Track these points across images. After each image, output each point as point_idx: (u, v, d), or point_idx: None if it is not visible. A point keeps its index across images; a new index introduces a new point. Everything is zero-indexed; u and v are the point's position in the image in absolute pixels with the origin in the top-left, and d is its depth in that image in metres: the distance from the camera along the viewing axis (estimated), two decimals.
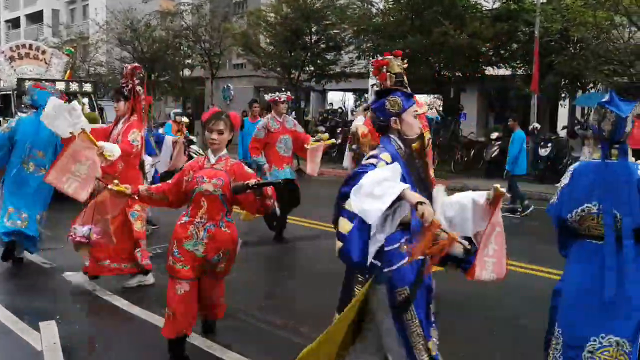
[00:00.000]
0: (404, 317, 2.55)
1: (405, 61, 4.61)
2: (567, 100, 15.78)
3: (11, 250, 5.56)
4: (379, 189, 2.23)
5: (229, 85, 26.69)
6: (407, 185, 2.31)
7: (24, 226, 5.41)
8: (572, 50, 13.88)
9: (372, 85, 20.94)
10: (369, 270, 2.49)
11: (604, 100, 2.62)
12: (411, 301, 2.54)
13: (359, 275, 2.60)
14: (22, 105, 7.40)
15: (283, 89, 7.98)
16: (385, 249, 2.48)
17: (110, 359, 3.72)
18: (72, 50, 13.84)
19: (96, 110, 11.18)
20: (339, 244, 2.36)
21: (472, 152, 15.20)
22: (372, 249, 2.32)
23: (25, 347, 3.78)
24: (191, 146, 9.54)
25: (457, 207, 2.61)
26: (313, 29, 19.82)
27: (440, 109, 17.85)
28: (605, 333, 2.49)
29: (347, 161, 4.95)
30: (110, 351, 3.80)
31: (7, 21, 43.38)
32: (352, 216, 2.29)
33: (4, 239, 5.43)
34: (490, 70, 16.06)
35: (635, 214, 2.46)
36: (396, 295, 2.54)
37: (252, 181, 3.25)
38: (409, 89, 4.73)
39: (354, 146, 4.79)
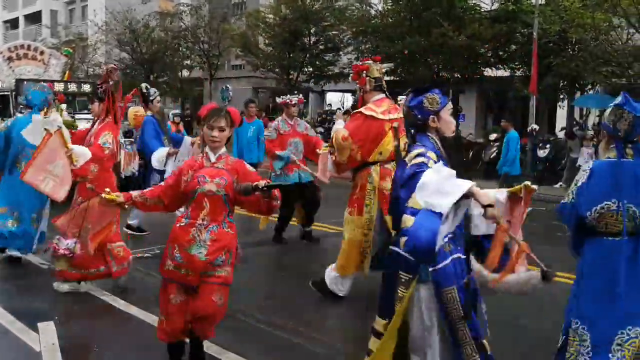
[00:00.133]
0: (452, 316, 2.54)
1: (398, 62, 4.67)
2: (565, 102, 15.81)
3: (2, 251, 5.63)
4: (448, 185, 2.23)
5: (228, 85, 26.71)
6: (474, 183, 2.31)
7: (14, 226, 5.42)
8: (571, 52, 13.91)
9: None
10: (414, 269, 2.49)
11: (619, 101, 2.74)
12: (459, 300, 2.53)
13: (402, 276, 2.55)
14: (20, 106, 7.40)
15: (295, 92, 8.04)
16: None
17: None
18: (71, 51, 13.80)
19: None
20: (403, 239, 2.32)
21: (471, 153, 15.22)
22: (439, 239, 2.30)
23: (24, 347, 3.77)
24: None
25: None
26: (312, 30, 19.86)
27: None
28: (632, 325, 2.61)
29: (329, 164, 4.98)
30: (108, 351, 3.79)
31: (5, 22, 43.33)
32: (415, 212, 2.28)
33: None
34: (489, 72, 16.09)
35: None
36: (443, 294, 2.52)
37: (262, 183, 3.05)
38: (387, 93, 4.80)
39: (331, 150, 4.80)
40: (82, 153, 4.37)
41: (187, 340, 3.42)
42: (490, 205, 2.26)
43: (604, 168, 2.73)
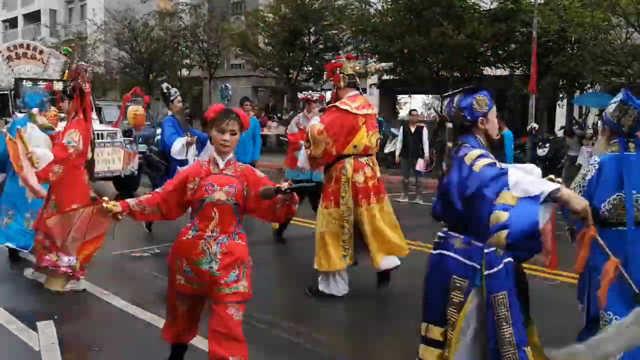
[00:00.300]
0: (499, 321, 2.51)
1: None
2: (564, 101, 15.83)
3: None
4: (543, 183, 2.22)
5: (227, 85, 26.72)
6: (563, 185, 2.29)
7: (9, 222, 5.47)
8: (570, 51, 13.93)
9: (371, 85, 20.98)
10: (471, 274, 2.49)
11: (622, 97, 2.92)
12: (508, 306, 2.51)
13: (457, 281, 2.53)
14: (19, 107, 7.41)
15: (319, 89, 8.09)
16: (485, 251, 2.47)
17: (108, 359, 3.71)
18: (70, 50, 13.80)
19: (94, 110, 11.16)
20: (503, 233, 2.18)
21: None
22: (541, 220, 2.19)
23: (23, 347, 3.77)
24: None
25: None
26: (311, 30, 19.87)
27: (439, 109, 17.86)
28: None
29: (302, 159, 5.03)
30: (108, 351, 3.78)
31: (4, 21, 43.30)
32: (507, 207, 2.21)
33: None
34: (488, 71, 16.11)
35: None
36: (494, 299, 2.50)
37: (285, 185, 2.81)
38: (360, 90, 4.92)
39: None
40: (43, 155, 4.36)
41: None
42: (585, 210, 2.20)
43: (610, 162, 2.86)
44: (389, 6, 16.10)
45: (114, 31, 24.62)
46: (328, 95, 6.92)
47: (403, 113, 24.05)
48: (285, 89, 22.75)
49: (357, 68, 4.91)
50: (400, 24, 15.45)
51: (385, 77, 18.37)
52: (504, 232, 2.18)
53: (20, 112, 6.88)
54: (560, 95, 15.53)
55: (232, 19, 24.48)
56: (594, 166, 2.89)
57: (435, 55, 15.36)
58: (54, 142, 4.89)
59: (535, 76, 13.10)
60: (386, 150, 13.28)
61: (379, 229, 4.75)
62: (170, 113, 6.65)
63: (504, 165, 2.43)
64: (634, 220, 2.84)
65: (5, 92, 10.38)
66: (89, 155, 4.87)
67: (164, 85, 6.87)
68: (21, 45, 10.83)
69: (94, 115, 10.86)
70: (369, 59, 18.20)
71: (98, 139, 9.73)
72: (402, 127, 10.88)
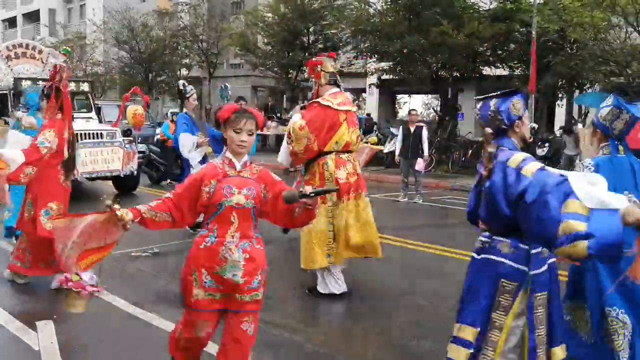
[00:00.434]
0: (536, 320, 2.55)
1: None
2: (564, 101, 15.83)
3: None
4: (611, 196, 2.21)
5: (227, 84, 26.78)
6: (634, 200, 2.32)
7: (8, 217, 5.73)
8: (569, 51, 13.93)
9: (370, 85, 20.94)
10: (517, 276, 2.50)
11: (614, 102, 3.09)
12: (546, 306, 2.55)
13: (506, 284, 2.53)
14: (20, 105, 7.41)
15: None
16: (532, 252, 2.49)
17: (108, 359, 3.70)
18: (69, 49, 13.80)
19: (93, 109, 11.17)
20: (582, 243, 2.15)
21: (470, 151, 15.24)
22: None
23: (23, 346, 3.77)
24: None
25: None
26: (311, 29, 19.87)
27: (438, 108, 17.88)
28: None
29: (283, 156, 5.04)
30: (107, 351, 3.78)
31: (3, 20, 43.27)
32: (579, 217, 2.20)
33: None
34: (487, 70, 16.11)
35: None
36: (535, 299, 2.53)
37: (308, 188, 2.70)
38: (342, 87, 4.99)
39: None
40: (13, 157, 4.35)
41: None
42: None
43: (605, 163, 2.99)
44: (388, 6, 16.09)
45: (113, 31, 24.62)
46: None
47: (402, 113, 24.08)
48: (284, 89, 22.74)
49: (338, 67, 4.97)
50: (399, 24, 15.45)
51: (384, 76, 18.37)
52: (583, 243, 2.16)
53: (21, 112, 6.88)
54: (560, 95, 15.53)
55: (232, 19, 24.48)
56: (589, 168, 2.99)
57: (435, 55, 15.36)
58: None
59: (535, 76, 13.11)
60: (385, 150, 13.30)
61: (350, 228, 4.75)
62: (184, 110, 6.65)
63: (556, 170, 2.40)
64: None
65: (5, 91, 10.38)
66: (66, 154, 4.80)
67: (181, 82, 6.90)
68: (20, 45, 10.80)
69: (93, 114, 10.93)
70: (368, 58, 18.28)
71: (98, 138, 9.75)
72: (401, 127, 10.90)
